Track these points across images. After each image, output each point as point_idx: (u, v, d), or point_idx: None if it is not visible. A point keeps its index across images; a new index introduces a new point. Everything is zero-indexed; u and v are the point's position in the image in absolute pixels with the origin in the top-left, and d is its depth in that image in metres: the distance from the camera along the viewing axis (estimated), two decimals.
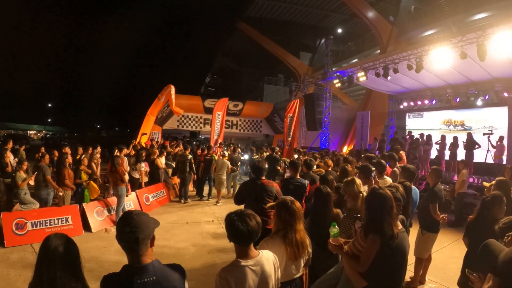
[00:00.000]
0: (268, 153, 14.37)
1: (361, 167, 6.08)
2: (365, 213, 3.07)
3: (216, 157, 13.58)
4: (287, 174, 7.67)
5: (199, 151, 13.24)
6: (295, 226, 3.03)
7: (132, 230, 1.91)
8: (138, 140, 16.01)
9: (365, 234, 2.95)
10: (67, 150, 9.78)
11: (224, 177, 11.89)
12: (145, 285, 1.88)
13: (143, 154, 10.87)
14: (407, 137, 17.15)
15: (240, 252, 2.48)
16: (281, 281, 2.86)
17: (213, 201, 11.74)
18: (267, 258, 2.56)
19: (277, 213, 3.16)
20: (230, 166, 12.75)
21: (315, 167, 7.31)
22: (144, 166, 10.51)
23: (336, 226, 3.20)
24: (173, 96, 16.84)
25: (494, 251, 1.98)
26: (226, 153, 13.56)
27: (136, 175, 10.24)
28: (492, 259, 1.93)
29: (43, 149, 10.52)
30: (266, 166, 11.73)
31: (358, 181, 4.05)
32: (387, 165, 7.09)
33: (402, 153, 10.92)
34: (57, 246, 1.97)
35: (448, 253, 7.20)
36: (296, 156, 12.59)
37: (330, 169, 7.85)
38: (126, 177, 8.89)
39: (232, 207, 9.55)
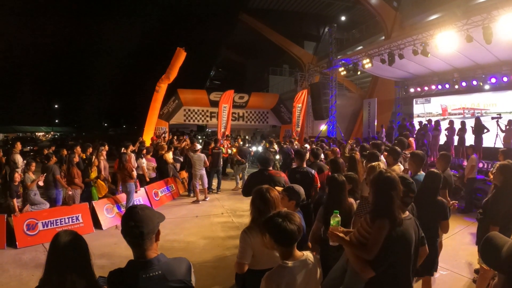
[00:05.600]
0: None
1: (368, 154, 6.04)
2: (372, 197, 2.95)
3: (224, 150, 13.61)
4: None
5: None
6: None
7: (137, 225, 1.91)
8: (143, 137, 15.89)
9: (372, 219, 2.85)
10: (78, 150, 9.77)
11: (203, 172, 11.03)
12: (150, 279, 1.88)
13: (143, 151, 10.82)
14: (413, 123, 17.06)
15: (285, 254, 2.41)
16: (265, 268, 2.83)
17: (222, 195, 11.76)
18: (311, 258, 2.51)
19: (252, 201, 3.13)
20: (239, 158, 12.81)
21: (322, 156, 7.29)
22: (145, 162, 10.47)
23: (338, 215, 3.11)
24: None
25: (498, 244, 1.88)
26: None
27: (140, 172, 10.20)
28: (496, 254, 1.84)
29: (45, 151, 10.67)
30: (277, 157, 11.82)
31: (382, 165, 4.00)
32: None
33: (411, 139, 10.86)
34: (66, 242, 1.98)
35: (459, 239, 7.18)
36: (307, 146, 12.53)
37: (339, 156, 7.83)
38: (134, 173, 8.93)
39: (241, 199, 9.56)
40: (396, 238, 2.72)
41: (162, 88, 16.14)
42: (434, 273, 4.52)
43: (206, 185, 11.23)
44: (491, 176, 7.74)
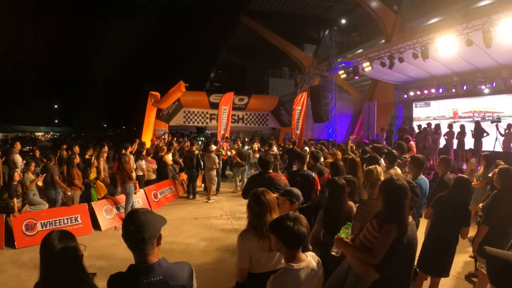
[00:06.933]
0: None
1: (368, 157, 6.04)
2: (382, 204, 2.93)
3: (223, 152, 13.60)
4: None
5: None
6: (264, 218, 2.93)
7: (138, 230, 1.88)
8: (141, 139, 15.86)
9: (380, 224, 2.86)
10: (77, 149, 9.79)
11: (214, 173, 11.35)
12: (151, 284, 1.86)
13: (143, 153, 10.80)
14: (413, 126, 17.05)
15: (291, 256, 2.41)
16: (264, 271, 2.88)
17: (221, 197, 11.75)
18: (314, 260, 2.53)
19: (248, 204, 3.12)
20: (238, 160, 12.79)
21: (322, 159, 7.28)
22: (144, 163, 10.46)
23: (350, 228, 3.10)
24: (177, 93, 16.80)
25: (507, 260, 1.82)
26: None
27: (139, 173, 10.19)
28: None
29: (38, 153, 10.78)
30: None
31: (379, 169, 3.99)
32: None
33: (412, 143, 10.85)
34: (54, 245, 1.98)
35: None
36: (306, 148, 12.51)
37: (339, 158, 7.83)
38: (134, 174, 8.91)
39: (240, 201, 9.55)
40: (406, 244, 2.73)
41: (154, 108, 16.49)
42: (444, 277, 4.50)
43: (213, 186, 11.49)
44: (475, 181, 7.79)
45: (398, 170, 5.69)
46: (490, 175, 6.91)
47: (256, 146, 16.46)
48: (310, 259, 2.48)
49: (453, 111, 17.04)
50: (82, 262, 2.09)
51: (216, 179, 11.57)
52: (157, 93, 16.45)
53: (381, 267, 2.75)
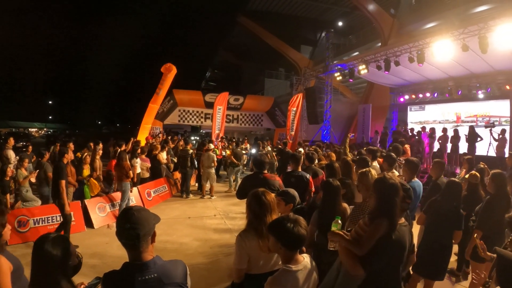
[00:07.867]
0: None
1: (358, 159, 6.05)
2: (374, 202, 2.96)
3: (218, 152, 13.61)
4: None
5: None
6: (265, 219, 2.92)
7: (133, 227, 1.87)
8: (138, 136, 15.70)
9: (371, 219, 2.88)
10: (71, 146, 9.75)
11: (212, 170, 11.53)
12: (146, 282, 1.86)
13: (138, 151, 10.77)
14: (407, 129, 17.12)
15: (289, 258, 2.42)
16: (258, 272, 2.89)
17: (214, 196, 11.73)
18: (309, 261, 2.54)
19: (248, 204, 3.10)
20: (234, 161, 12.80)
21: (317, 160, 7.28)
22: (139, 161, 10.41)
23: (340, 221, 3.13)
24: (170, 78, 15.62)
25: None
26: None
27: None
28: None
29: (30, 149, 10.73)
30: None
31: (373, 171, 4.00)
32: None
33: (407, 146, 10.89)
34: (43, 250, 2.02)
35: None
36: (301, 149, 12.51)
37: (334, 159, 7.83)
38: (131, 173, 8.87)
39: (234, 201, 9.50)
40: (394, 242, 2.77)
41: (162, 91, 15.86)
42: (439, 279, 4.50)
43: (213, 183, 11.74)
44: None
45: (396, 173, 5.70)
46: (467, 176, 6.92)
47: (243, 147, 16.47)
48: (307, 260, 2.50)
49: (457, 115, 17.04)
50: (69, 270, 2.11)
51: (215, 176, 11.77)
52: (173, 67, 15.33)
53: (368, 262, 2.80)
